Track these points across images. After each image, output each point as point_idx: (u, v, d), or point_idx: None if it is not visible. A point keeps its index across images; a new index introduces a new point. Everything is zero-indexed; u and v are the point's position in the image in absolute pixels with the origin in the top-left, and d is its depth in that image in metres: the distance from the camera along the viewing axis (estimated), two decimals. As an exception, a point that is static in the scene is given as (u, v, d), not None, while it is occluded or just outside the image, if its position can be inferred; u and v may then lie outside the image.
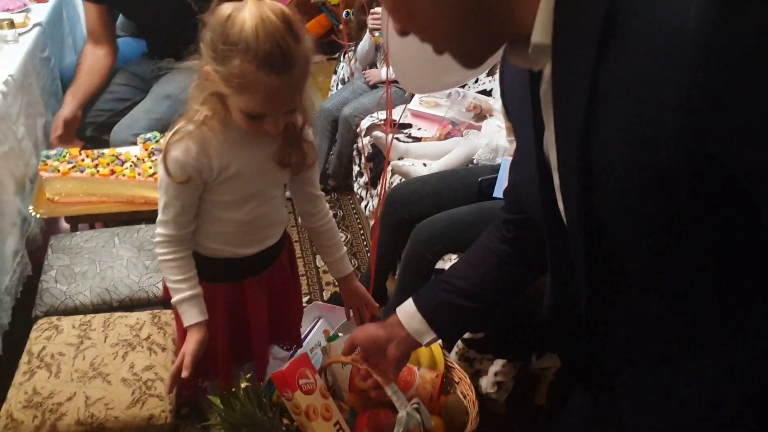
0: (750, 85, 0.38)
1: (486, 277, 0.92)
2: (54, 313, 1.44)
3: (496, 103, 2.30)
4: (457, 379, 1.27)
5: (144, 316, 1.39)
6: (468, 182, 1.95)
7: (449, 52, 0.59)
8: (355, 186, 2.64)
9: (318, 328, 1.78)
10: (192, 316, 1.12)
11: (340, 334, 1.48)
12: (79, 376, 1.23)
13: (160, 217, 1.10)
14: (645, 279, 0.55)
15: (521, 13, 0.50)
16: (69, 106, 2.07)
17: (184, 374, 1.09)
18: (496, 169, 1.94)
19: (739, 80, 0.39)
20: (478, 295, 0.92)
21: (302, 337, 1.73)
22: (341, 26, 3.96)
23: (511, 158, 1.86)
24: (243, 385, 1.02)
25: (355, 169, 2.64)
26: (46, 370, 1.23)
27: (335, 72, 3.18)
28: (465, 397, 1.21)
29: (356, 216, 2.76)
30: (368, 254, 2.46)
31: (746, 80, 0.38)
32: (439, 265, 1.76)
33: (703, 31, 0.39)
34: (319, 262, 2.44)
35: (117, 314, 1.40)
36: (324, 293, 2.28)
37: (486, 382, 1.49)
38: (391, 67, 1.31)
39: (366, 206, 2.51)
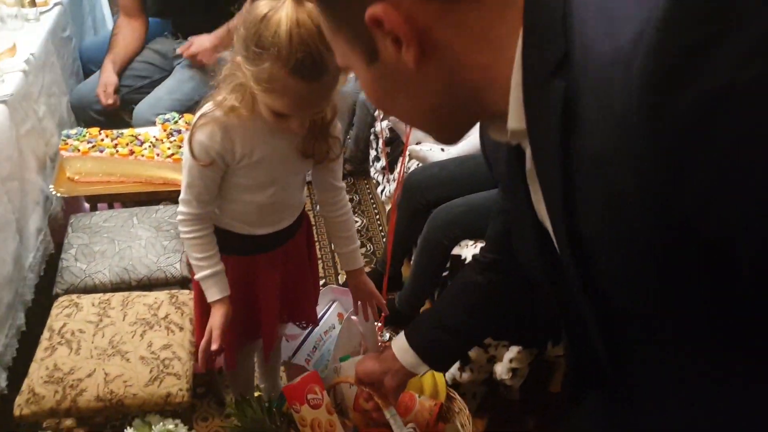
0: (696, 156, 0.39)
1: (473, 313, 0.95)
2: (74, 291, 1.46)
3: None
4: (457, 410, 1.30)
5: (162, 295, 1.41)
6: (486, 167, 1.93)
7: (426, 132, 0.62)
8: (372, 171, 2.64)
9: (332, 311, 1.79)
10: (216, 291, 1.14)
11: (350, 356, 1.51)
12: (99, 353, 1.25)
13: (182, 195, 1.12)
14: (660, 335, 0.55)
15: (495, 100, 0.51)
16: (109, 71, 2.14)
17: (214, 347, 1.12)
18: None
19: (685, 151, 0.40)
20: (466, 331, 0.97)
21: (317, 318, 1.74)
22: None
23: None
24: (256, 394, 1.13)
25: (372, 153, 2.63)
26: (67, 346, 1.25)
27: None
28: (463, 427, 1.24)
29: (372, 201, 2.75)
30: (384, 240, 2.46)
31: (692, 150, 0.39)
32: (456, 251, 1.75)
33: (645, 102, 0.40)
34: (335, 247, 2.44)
35: (135, 293, 1.41)
36: (340, 277, 2.29)
37: (501, 369, 1.49)
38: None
39: (382, 191, 2.50)
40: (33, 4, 2.05)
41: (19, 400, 1.16)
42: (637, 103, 0.40)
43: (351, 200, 2.74)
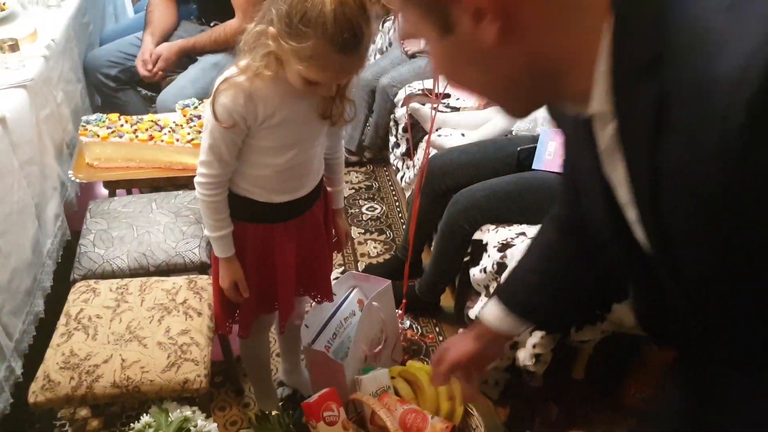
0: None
1: (555, 259, 0.97)
2: (92, 277, 1.45)
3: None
4: (474, 426, 1.31)
5: (180, 280, 1.39)
6: (507, 152, 1.89)
7: (498, 104, 0.62)
8: (391, 157, 2.60)
9: (353, 298, 1.77)
10: (229, 248, 1.21)
11: (372, 368, 1.52)
12: (116, 338, 1.24)
13: (202, 158, 1.14)
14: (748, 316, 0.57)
15: (577, 83, 0.52)
16: (148, 43, 2.19)
17: (246, 295, 1.23)
18: (535, 138, 1.87)
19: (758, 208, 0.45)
20: (554, 275, 0.97)
21: (336, 306, 1.72)
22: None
23: (549, 129, 1.80)
24: (274, 413, 1.20)
25: (392, 140, 2.59)
26: (83, 332, 1.25)
27: (373, 42, 3.11)
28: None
29: (392, 188, 2.72)
30: (404, 226, 2.42)
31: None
32: (477, 235, 1.71)
33: (735, 150, 0.43)
34: (355, 233, 2.42)
35: (153, 279, 1.40)
36: (359, 264, 2.26)
37: (524, 354, 1.45)
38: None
39: (402, 177, 2.46)
40: (53, -10, 2.05)
41: (34, 386, 1.15)
42: (738, 132, 0.42)
43: (370, 187, 2.71)
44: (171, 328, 1.26)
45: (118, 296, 1.33)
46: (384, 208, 2.59)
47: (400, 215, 2.54)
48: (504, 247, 1.60)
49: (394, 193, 2.69)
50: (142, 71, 2.18)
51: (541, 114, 2.06)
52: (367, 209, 2.58)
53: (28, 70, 1.61)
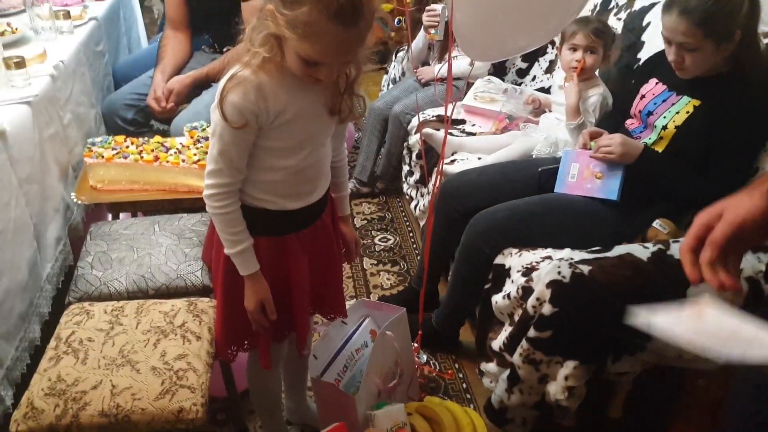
0: None
1: None
2: (87, 300, 1.36)
3: (555, 96, 2.14)
4: None
5: (180, 303, 1.29)
6: (528, 173, 1.80)
7: None
8: (404, 186, 2.52)
9: (364, 328, 1.65)
10: (253, 263, 1.13)
11: (386, 403, 1.43)
12: (107, 363, 1.13)
13: (211, 167, 1.07)
14: None
15: None
16: (159, 80, 2.17)
17: (274, 317, 1.15)
18: (557, 160, 1.79)
19: None
20: None
21: (347, 336, 1.61)
22: (392, 33, 3.89)
23: (572, 150, 1.72)
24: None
25: (405, 168, 2.51)
26: (73, 356, 1.15)
27: (386, 72, 3.09)
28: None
29: (405, 218, 2.63)
30: (418, 257, 2.32)
31: None
32: (498, 260, 1.61)
33: None
34: (367, 264, 2.32)
35: (151, 301, 1.31)
36: (372, 296, 2.15)
37: (555, 388, 1.32)
38: (455, 38, 1.19)
39: (416, 206, 2.37)
40: (68, 16, 2.04)
41: (17, 414, 1.05)
42: None
43: (383, 218, 2.63)
44: (167, 352, 1.16)
45: (113, 318, 1.24)
46: (397, 239, 2.49)
47: (414, 246, 2.44)
48: (529, 271, 1.49)
49: (407, 223, 2.59)
50: (156, 108, 2.14)
51: (562, 137, 1.98)
52: (379, 240, 2.48)
53: (33, 88, 1.57)
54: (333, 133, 1.19)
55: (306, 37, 0.93)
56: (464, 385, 1.78)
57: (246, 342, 1.25)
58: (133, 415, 1.05)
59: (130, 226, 1.60)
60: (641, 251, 1.37)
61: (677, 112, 1.58)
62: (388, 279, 2.25)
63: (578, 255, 1.39)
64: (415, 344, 1.78)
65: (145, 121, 2.28)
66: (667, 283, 1.30)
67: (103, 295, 1.39)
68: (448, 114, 1.61)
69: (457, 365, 1.85)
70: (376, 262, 2.35)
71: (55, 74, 1.70)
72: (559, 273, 1.32)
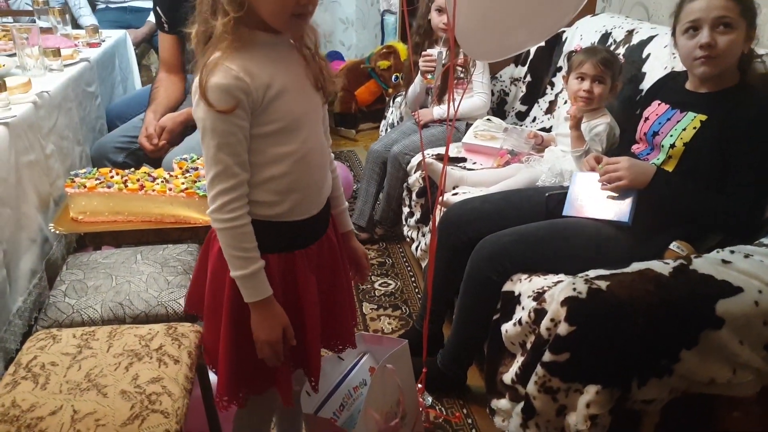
0: None
1: None
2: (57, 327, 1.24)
3: (560, 128, 2.09)
4: None
5: (158, 327, 1.17)
6: (534, 201, 1.71)
7: None
8: (405, 229, 2.43)
9: (363, 364, 1.51)
10: (267, 286, 1.00)
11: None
12: (70, 387, 1.00)
13: (214, 171, 0.96)
14: None
15: None
16: (150, 119, 2.13)
17: (294, 343, 1.03)
18: (565, 188, 1.70)
19: None
20: None
21: (344, 373, 1.46)
22: (390, 90, 3.92)
23: (581, 173, 1.64)
24: None
25: (405, 210, 2.43)
26: (32, 380, 1.01)
27: (384, 117, 3.07)
28: None
29: (406, 263, 2.52)
30: (420, 301, 2.19)
31: None
32: (507, 287, 1.49)
33: None
34: (367, 309, 2.18)
35: (126, 326, 1.18)
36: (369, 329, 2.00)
37: (576, 418, 1.17)
38: (457, 41, 1.14)
39: (417, 246, 2.27)
40: (57, 54, 2.01)
41: (-38, 443, 0.90)
42: None
43: (383, 264, 2.51)
44: (139, 375, 1.02)
45: (82, 342, 1.11)
46: (399, 283, 2.37)
47: (416, 290, 2.32)
48: (540, 294, 1.37)
49: (409, 268, 2.48)
50: (147, 146, 2.09)
51: (567, 167, 1.91)
52: (380, 285, 2.36)
53: (13, 111, 1.50)
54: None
55: None
56: (473, 431, 1.62)
57: (258, 384, 1.10)
58: (95, 443, 0.91)
59: (110, 256, 1.50)
60: (662, 267, 1.26)
61: (684, 129, 1.52)
62: (389, 323, 2.11)
63: (594, 272, 1.28)
64: (419, 385, 1.63)
65: (135, 165, 2.21)
66: (694, 296, 1.19)
67: (75, 323, 1.26)
68: (449, 153, 1.55)
69: (465, 410, 1.69)
70: (376, 306, 2.21)
71: (38, 102, 1.64)
72: (574, 289, 1.21)
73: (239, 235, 0.97)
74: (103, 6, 3.45)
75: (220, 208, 0.96)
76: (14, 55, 2.00)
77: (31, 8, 2.61)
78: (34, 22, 2.55)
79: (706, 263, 1.24)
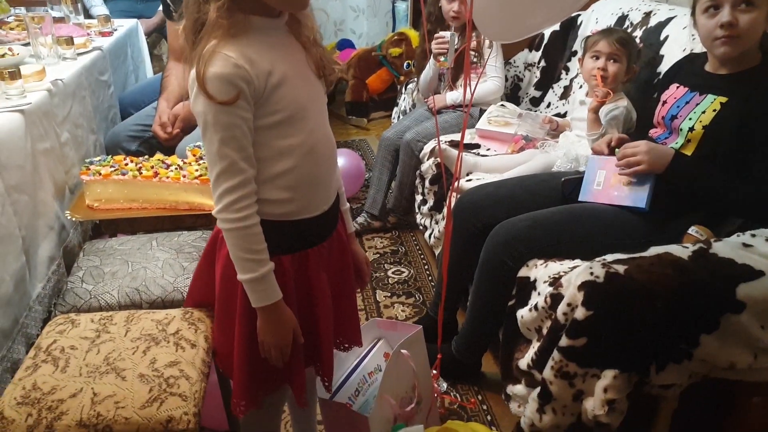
0: None
1: None
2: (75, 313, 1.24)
3: (575, 112, 2.07)
4: None
5: (175, 311, 1.17)
6: (550, 185, 1.70)
7: None
8: (418, 217, 2.42)
9: (377, 350, 1.51)
10: (277, 290, 0.96)
11: (404, 425, 1.28)
12: (90, 371, 1.00)
13: (218, 168, 0.90)
14: None
15: None
16: (163, 107, 2.12)
17: (300, 340, 1.00)
18: (581, 173, 1.69)
19: None
20: None
21: (358, 359, 1.47)
22: (402, 78, 3.90)
23: (598, 157, 1.62)
24: None
25: (418, 198, 2.42)
26: (52, 364, 1.02)
27: (396, 104, 3.05)
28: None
29: (419, 251, 2.51)
30: (433, 288, 2.19)
31: None
32: (523, 272, 1.48)
33: None
34: (380, 297, 2.18)
35: (143, 311, 1.19)
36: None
37: (593, 403, 1.16)
38: (473, 18, 1.12)
39: (431, 234, 2.26)
40: (71, 43, 2.01)
41: (-16, 425, 0.92)
42: None
43: (396, 252, 2.51)
44: (157, 359, 1.03)
45: (100, 327, 1.12)
46: (412, 271, 2.37)
47: (429, 278, 2.31)
48: (556, 279, 1.36)
49: (422, 256, 2.47)
50: (161, 134, 2.09)
51: (583, 152, 1.89)
52: (393, 273, 2.36)
53: (28, 99, 1.51)
54: None
55: None
56: (489, 417, 1.62)
57: (272, 383, 1.08)
58: (116, 424, 0.91)
59: (126, 242, 1.51)
60: (681, 250, 1.24)
61: (703, 112, 1.49)
62: (402, 311, 2.11)
63: (611, 256, 1.27)
64: (434, 371, 1.63)
65: (149, 153, 2.22)
66: (715, 280, 1.17)
67: (92, 308, 1.27)
68: (462, 138, 1.53)
69: (480, 396, 1.69)
70: (389, 294, 2.21)
71: (52, 90, 1.64)
72: (591, 273, 1.19)
73: (248, 236, 0.93)
74: (114, -5, 3.46)
75: (227, 207, 0.92)
76: (28, 44, 2.01)
77: (43, -2, 2.62)
78: (47, 11, 2.56)
79: (727, 247, 1.22)
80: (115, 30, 2.55)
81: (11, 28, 2.32)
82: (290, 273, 1.01)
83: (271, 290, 0.96)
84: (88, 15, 3.22)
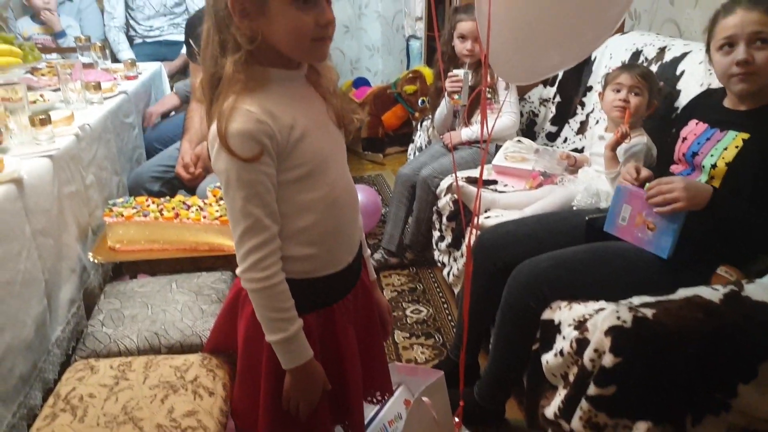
0: None
1: None
2: (95, 357, 1.24)
3: (594, 148, 2.06)
4: None
5: (194, 357, 1.16)
6: (571, 224, 1.67)
7: None
8: (436, 254, 2.40)
9: (398, 396, 1.48)
10: (307, 348, 0.94)
11: None
12: (107, 420, 0.99)
13: (243, 226, 0.88)
14: None
15: None
16: (186, 149, 2.16)
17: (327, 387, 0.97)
18: (602, 211, 1.66)
19: None
20: None
21: (379, 406, 1.43)
22: (417, 114, 3.93)
23: (626, 188, 1.58)
24: None
25: (435, 234, 2.41)
26: (71, 413, 1.01)
27: (412, 141, 3.07)
28: None
29: (438, 289, 2.48)
30: (454, 329, 2.15)
31: None
32: (546, 315, 1.44)
33: None
34: (399, 338, 2.15)
35: (162, 356, 1.18)
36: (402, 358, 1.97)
37: (625, 457, 1.12)
38: (489, 63, 1.12)
39: (449, 272, 2.24)
40: (98, 88, 2.07)
41: (2, 476, 0.90)
42: None
43: (414, 289, 2.48)
44: (175, 408, 1.02)
45: (119, 374, 1.11)
46: (431, 310, 2.34)
47: (449, 318, 2.28)
48: (581, 323, 1.33)
49: (441, 294, 2.44)
50: (184, 175, 2.12)
51: (604, 188, 1.86)
52: (411, 312, 2.33)
53: (57, 144, 1.54)
54: None
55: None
56: (514, 465, 1.56)
57: None
58: (132, 478, 0.90)
59: (146, 284, 1.51)
60: (711, 293, 1.21)
61: (725, 149, 1.46)
62: (422, 353, 2.08)
63: (638, 299, 1.24)
64: (456, 419, 1.59)
65: (171, 194, 2.25)
66: (749, 325, 1.13)
67: (111, 353, 1.27)
68: (478, 175, 1.52)
69: (504, 444, 1.64)
70: (408, 335, 2.18)
71: (80, 134, 1.68)
72: (618, 318, 1.16)
73: (276, 294, 0.91)
74: (140, 41, 3.57)
75: (252, 266, 0.89)
76: (58, 89, 2.07)
77: (75, 45, 2.71)
78: (77, 58, 2.65)
79: (760, 289, 1.18)
80: (140, 73, 2.62)
81: (43, 74, 2.40)
82: (316, 332, 0.98)
83: (303, 349, 0.94)
84: (115, 59, 3.33)
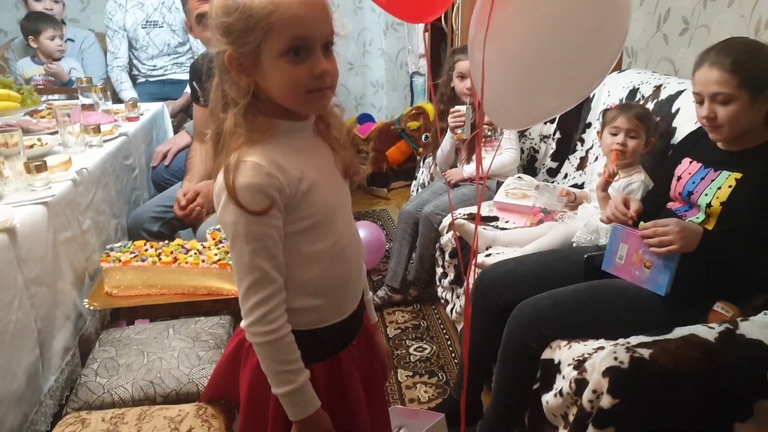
0: None
1: None
2: (88, 409, 1.22)
3: (594, 185, 2.05)
4: None
5: (188, 407, 1.15)
6: (571, 262, 1.66)
7: None
8: (439, 290, 2.38)
9: (399, 440, 1.45)
10: (314, 399, 0.93)
11: None
12: (96, 477, 0.97)
13: (250, 279, 0.87)
14: None
15: None
16: (188, 187, 2.15)
17: None
18: (601, 247, 1.65)
19: None
20: None
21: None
22: (420, 149, 3.96)
23: (621, 228, 1.58)
24: None
25: (438, 271, 2.39)
26: (59, 470, 0.99)
27: (415, 177, 3.08)
28: None
29: (442, 326, 2.46)
30: (456, 366, 2.12)
31: None
32: (546, 354, 1.42)
33: None
34: (402, 377, 2.12)
35: (157, 407, 1.16)
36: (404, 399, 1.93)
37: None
38: (484, 109, 1.13)
39: (452, 309, 2.22)
40: (97, 131, 2.08)
41: None
42: None
43: (417, 326, 2.46)
44: (166, 462, 1.00)
45: (111, 427, 1.09)
46: (434, 347, 2.31)
47: (453, 355, 2.25)
48: (580, 363, 1.31)
49: (444, 331, 2.42)
50: (179, 213, 2.11)
51: (604, 225, 1.85)
52: (415, 350, 2.30)
53: (52, 190, 1.55)
54: None
55: (272, 26, 0.82)
56: None
57: None
58: None
59: (143, 331, 1.50)
60: (706, 332, 1.20)
61: (719, 188, 1.46)
62: (425, 392, 2.04)
63: (635, 339, 1.22)
64: (458, 461, 1.55)
65: (170, 234, 2.25)
66: (744, 364, 1.11)
67: (105, 404, 1.25)
68: (480, 212, 1.52)
69: (508, 487, 1.59)
70: (411, 373, 2.15)
71: (77, 179, 1.69)
72: (615, 359, 1.15)
73: (283, 347, 0.90)
74: (143, 80, 3.61)
75: (259, 320, 0.88)
76: (56, 132, 2.08)
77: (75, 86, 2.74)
78: (78, 98, 2.67)
79: (754, 327, 1.17)
80: (142, 114, 2.64)
81: (42, 117, 2.42)
82: (323, 381, 0.97)
83: (310, 400, 0.92)
84: (117, 98, 3.36)
